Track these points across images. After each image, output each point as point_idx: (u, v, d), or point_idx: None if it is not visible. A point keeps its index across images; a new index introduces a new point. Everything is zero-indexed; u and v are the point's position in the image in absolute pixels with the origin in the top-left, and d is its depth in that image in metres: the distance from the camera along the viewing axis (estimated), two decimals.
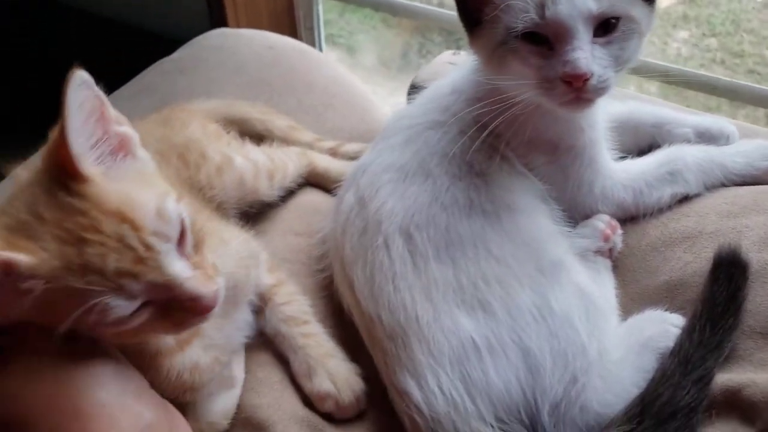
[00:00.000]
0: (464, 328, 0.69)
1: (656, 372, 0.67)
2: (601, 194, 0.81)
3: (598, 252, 0.79)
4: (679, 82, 1.32)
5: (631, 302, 0.76)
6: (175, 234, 0.55)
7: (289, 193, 0.96)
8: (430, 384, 0.68)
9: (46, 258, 0.50)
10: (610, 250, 0.79)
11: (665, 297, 0.75)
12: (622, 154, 0.85)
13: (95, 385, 0.56)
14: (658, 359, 0.69)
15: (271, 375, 0.77)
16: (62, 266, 0.51)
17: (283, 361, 0.78)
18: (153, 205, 0.54)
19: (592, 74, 0.68)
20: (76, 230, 0.51)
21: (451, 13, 1.35)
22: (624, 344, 0.71)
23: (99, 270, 0.51)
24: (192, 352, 0.66)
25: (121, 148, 0.57)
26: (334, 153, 1.02)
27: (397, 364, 0.71)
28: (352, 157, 0.98)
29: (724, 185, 0.82)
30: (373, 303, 0.73)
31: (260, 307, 0.79)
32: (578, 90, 0.69)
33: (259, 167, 0.89)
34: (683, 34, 1.88)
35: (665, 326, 0.71)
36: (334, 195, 0.88)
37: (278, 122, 1.03)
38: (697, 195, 0.82)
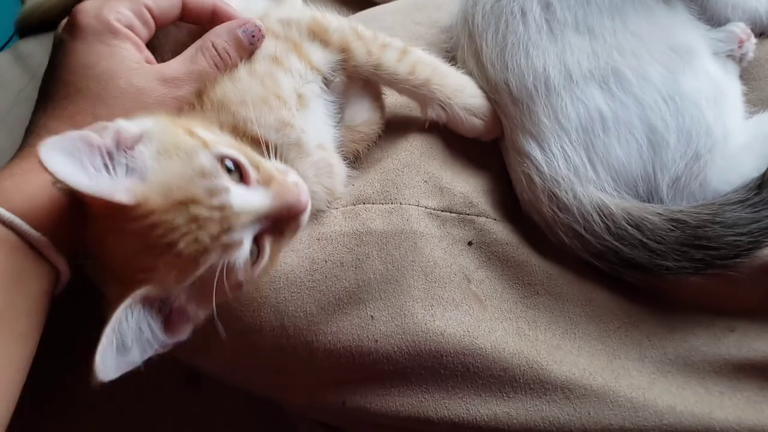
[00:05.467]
0: (594, 99, 0.70)
1: None
2: (731, 0, 0.80)
3: (730, 56, 0.78)
4: None
5: (755, 107, 0.76)
6: (226, 177, 0.56)
7: None
8: (553, 148, 0.70)
9: (164, 277, 0.54)
10: (741, 57, 0.79)
11: None
12: None
13: None
14: None
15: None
16: (177, 273, 0.54)
17: None
18: (191, 171, 0.55)
19: None
20: (161, 241, 0.53)
21: None
22: (750, 133, 0.71)
23: (203, 250, 0.54)
24: None
25: (123, 146, 0.55)
26: None
27: (521, 128, 0.72)
28: None
29: None
30: (502, 68, 0.74)
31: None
32: None
33: None
34: None
35: None
36: None
37: None
38: None
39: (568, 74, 0.70)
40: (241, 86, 0.65)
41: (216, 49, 0.66)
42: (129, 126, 0.56)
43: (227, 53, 0.66)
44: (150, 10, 0.67)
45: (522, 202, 0.72)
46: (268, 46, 0.69)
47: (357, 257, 0.68)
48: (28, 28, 1.08)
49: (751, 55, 0.79)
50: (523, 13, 0.74)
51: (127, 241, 0.54)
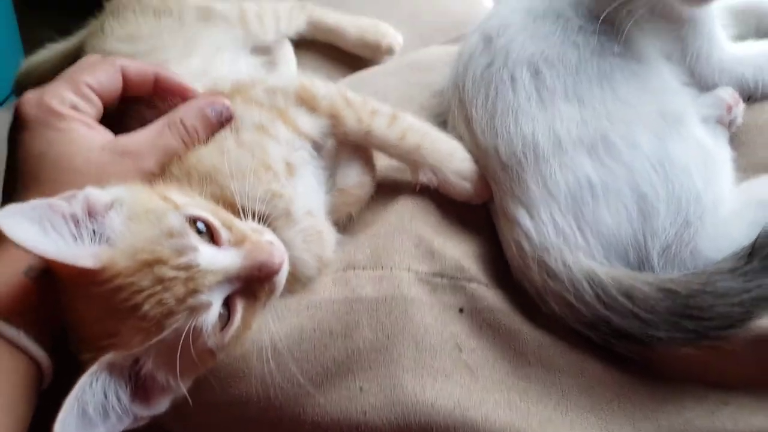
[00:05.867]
0: (583, 166, 0.70)
1: None
2: (718, 66, 0.80)
3: (719, 121, 0.79)
4: None
5: (744, 173, 0.76)
6: (195, 237, 0.56)
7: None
8: (542, 215, 0.70)
9: (128, 342, 0.53)
10: (730, 123, 0.79)
11: None
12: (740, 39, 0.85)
13: None
14: None
15: None
16: (142, 338, 0.53)
17: None
18: (158, 232, 0.55)
19: None
20: (126, 305, 0.53)
21: None
22: (740, 199, 0.71)
23: (168, 313, 0.53)
24: None
25: (93, 213, 0.56)
26: None
27: (510, 195, 0.72)
28: None
29: None
30: (492, 135, 0.74)
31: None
32: None
33: (243, 8, 0.90)
34: None
35: None
36: None
37: None
38: None
39: (557, 141, 0.71)
40: (229, 158, 0.65)
41: (185, 126, 0.67)
42: (99, 193, 0.57)
43: (195, 130, 0.67)
44: (91, 87, 0.66)
45: (512, 268, 0.72)
46: (252, 116, 0.69)
47: (347, 325, 0.68)
48: (25, 88, 1.09)
49: (740, 120, 0.80)
50: (513, 80, 0.74)
51: (93, 306, 0.54)
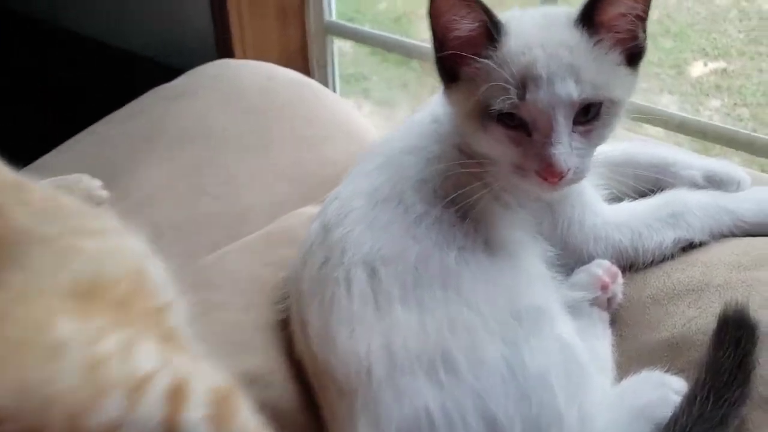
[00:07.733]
0: (420, 394, 0.59)
1: None
2: (592, 233, 0.72)
3: (595, 303, 0.69)
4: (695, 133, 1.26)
5: (628, 361, 0.67)
6: None
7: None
8: None
9: None
10: (609, 300, 0.70)
11: (666, 356, 0.66)
12: (618, 197, 0.77)
13: None
14: (653, 430, 0.59)
15: None
16: None
17: None
18: None
19: (569, 170, 0.63)
20: None
21: None
22: (615, 409, 0.61)
23: None
24: None
25: None
26: None
27: (340, 427, 0.63)
28: None
29: (734, 234, 0.73)
30: (326, 347, 0.64)
31: None
32: (552, 183, 0.64)
33: None
34: (715, 103, 1.95)
35: (664, 391, 0.62)
36: None
37: None
38: (705, 244, 0.73)
39: (392, 361, 0.60)
40: None
41: None
42: None
43: None
44: None
45: None
46: None
47: None
48: None
49: (620, 296, 0.71)
50: (348, 282, 0.65)
51: None
